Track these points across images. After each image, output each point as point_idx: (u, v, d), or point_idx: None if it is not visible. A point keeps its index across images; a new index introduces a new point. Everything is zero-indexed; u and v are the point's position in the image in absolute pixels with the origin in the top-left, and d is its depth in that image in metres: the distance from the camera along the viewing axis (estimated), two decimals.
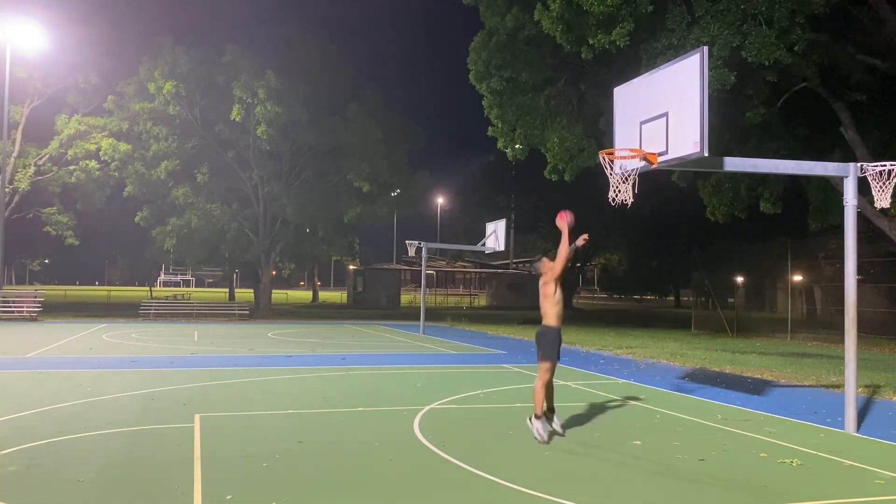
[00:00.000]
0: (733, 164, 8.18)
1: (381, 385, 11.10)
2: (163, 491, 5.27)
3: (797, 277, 27.41)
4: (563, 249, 7.19)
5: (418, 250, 23.98)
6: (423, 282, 24.64)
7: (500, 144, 20.25)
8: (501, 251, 26.97)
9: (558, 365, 7.54)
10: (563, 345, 7.53)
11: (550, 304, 7.16)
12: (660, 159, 7.51)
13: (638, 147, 7.76)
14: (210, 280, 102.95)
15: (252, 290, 41.62)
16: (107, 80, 30.94)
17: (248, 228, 31.75)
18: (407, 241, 24.43)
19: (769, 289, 35.44)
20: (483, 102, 19.89)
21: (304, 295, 67.97)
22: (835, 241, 21.53)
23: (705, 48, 7.29)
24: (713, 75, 13.19)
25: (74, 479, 5.51)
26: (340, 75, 31.98)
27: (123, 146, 29.85)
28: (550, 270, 7.14)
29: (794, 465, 6.42)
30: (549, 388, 7.24)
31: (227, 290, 54.16)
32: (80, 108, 31.80)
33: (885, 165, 7.90)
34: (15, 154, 30.94)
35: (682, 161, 7.43)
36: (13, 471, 5.74)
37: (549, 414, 7.33)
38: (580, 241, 7.38)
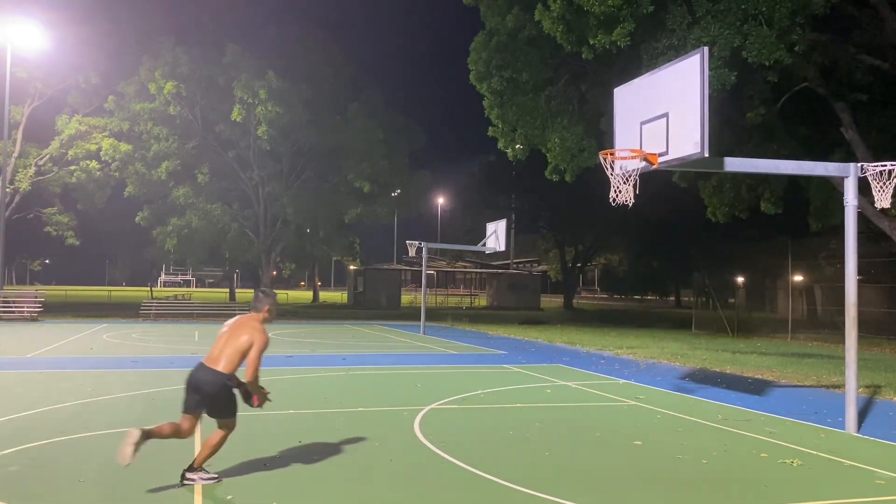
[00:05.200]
0: (734, 164, 8.18)
1: (381, 385, 11.10)
2: (163, 491, 5.27)
3: (798, 277, 27.39)
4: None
5: (419, 250, 23.98)
6: (423, 282, 24.63)
7: (500, 145, 20.25)
8: (502, 251, 26.99)
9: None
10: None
11: (235, 349, 5.42)
12: (660, 160, 7.51)
13: (638, 147, 7.76)
14: (210, 280, 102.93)
15: (252, 291, 41.61)
16: (107, 80, 30.96)
17: (249, 228, 31.76)
18: (407, 242, 24.42)
19: (769, 289, 35.40)
20: (483, 103, 19.90)
21: (304, 295, 67.95)
22: (835, 241, 21.52)
23: (706, 48, 7.28)
24: (713, 75, 13.19)
25: (75, 479, 5.51)
26: (341, 76, 32.00)
27: (124, 146, 29.87)
28: (263, 330, 5.46)
29: (794, 465, 6.42)
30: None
31: (227, 290, 54.16)
32: (80, 109, 31.83)
33: (885, 165, 7.89)
34: (15, 154, 30.96)
35: (683, 161, 7.42)
36: (13, 471, 5.74)
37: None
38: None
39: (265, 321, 5.52)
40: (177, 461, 6.09)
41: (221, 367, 5.32)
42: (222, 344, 5.43)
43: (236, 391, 5.42)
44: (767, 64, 13.51)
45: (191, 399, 5.34)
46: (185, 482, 5.38)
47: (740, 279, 30.09)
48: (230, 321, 5.66)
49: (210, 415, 5.38)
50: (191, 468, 5.43)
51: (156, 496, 5.18)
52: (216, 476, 5.50)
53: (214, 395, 5.29)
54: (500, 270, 56.86)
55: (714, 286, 26.77)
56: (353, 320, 31.22)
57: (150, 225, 31.06)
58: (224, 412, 5.41)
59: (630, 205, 7.72)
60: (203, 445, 5.49)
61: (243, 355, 5.33)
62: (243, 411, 6.88)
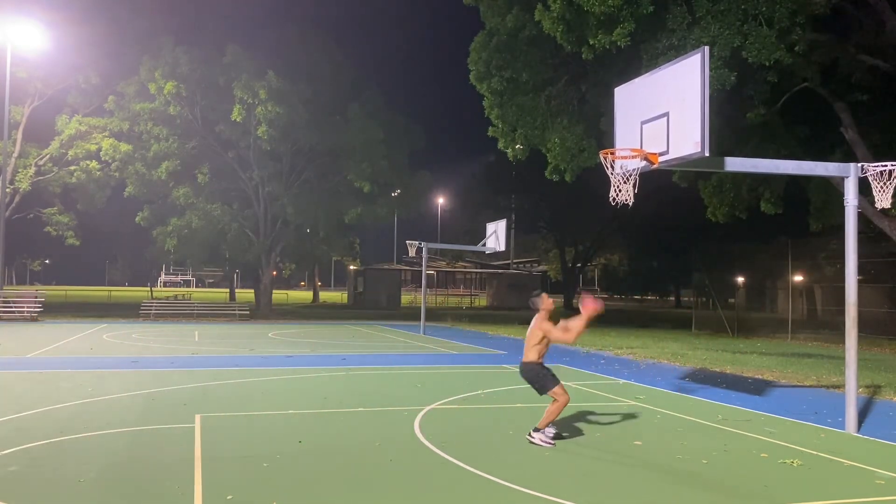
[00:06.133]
0: (734, 164, 8.18)
1: (381, 385, 11.10)
2: (163, 491, 5.26)
3: (798, 278, 27.38)
4: (578, 325, 6.83)
5: (419, 250, 23.98)
6: (423, 282, 24.63)
7: (500, 145, 20.25)
8: (502, 251, 26.98)
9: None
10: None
11: (532, 337, 7.03)
12: (661, 159, 7.50)
13: (639, 147, 7.75)
14: (210, 280, 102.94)
15: (252, 291, 41.65)
16: (107, 80, 30.95)
17: (249, 229, 31.75)
18: (407, 242, 24.42)
19: (770, 289, 35.39)
20: (483, 103, 19.89)
21: (304, 295, 67.97)
22: (835, 241, 21.51)
23: (706, 48, 7.28)
24: (713, 75, 13.19)
25: (74, 479, 5.51)
26: (341, 75, 31.98)
27: (124, 146, 29.85)
28: (546, 318, 6.98)
29: (794, 465, 6.42)
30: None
31: (227, 290, 54.17)
32: (80, 109, 31.81)
33: (885, 165, 7.89)
34: (16, 154, 30.96)
35: (683, 161, 7.42)
36: (13, 471, 5.74)
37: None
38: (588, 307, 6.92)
39: (548, 314, 7.05)
40: (176, 462, 6.10)
41: (528, 358, 7.06)
42: (526, 343, 7.13)
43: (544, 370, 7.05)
44: (767, 64, 13.51)
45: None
46: (529, 439, 6.97)
47: (740, 279, 30.08)
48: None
49: (539, 393, 7.12)
50: (535, 429, 7.00)
51: (156, 496, 5.17)
52: (553, 443, 6.92)
53: (529, 380, 7.11)
54: (500, 270, 56.86)
55: (714, 286, 26.75)
56: (353, 320, 31.23)
57: (150, 225, 31.04)
58: (543, 388, 7.01)
59: (630, 205, 7.71)
60: (546, 413, 6.99)
61: (541, 343, 7.01)
62: (247, 411, 6.85)
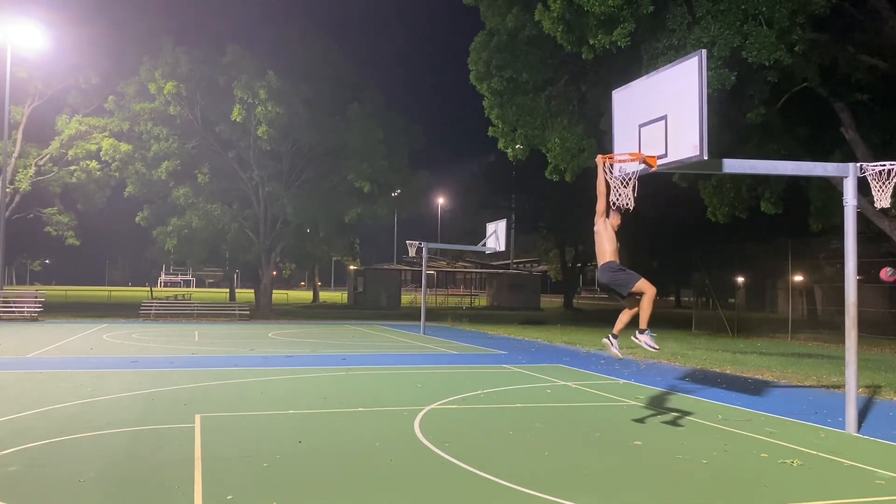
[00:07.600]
0: (732, 165, 8.16)
1: (381, 385, 11.10)
2: (163, 491, 5.27)
3: (798, 278, 27.39)
4: (599, 185, 7.37)
5: (419, 250, 23.98)
6: (423, 282, 24.64)
7: (500, 145, 20.26)
8: (502, 251, 26.99)
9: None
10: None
11: (601, 243, 7.30)
12: (659, 162, 7.49)
13: (637, 150, 7.74)
14: (211, 280, 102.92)
15: (252, 291, 41.65)
16: (107, 80, 30.94)
17: (249, 229, 31.75)
18: (407, 242, 24.43)
19: (770, 289, 35.42)
20: (483, 103, 19.91)
21: (304, 295, 67.97)
22: (835, 241, 21.53)
23: (704, 51, 7.25)
24: (713, 75, 13.20)
25: (74, 479, 5.51)
26: (341, 75, 32.00)
27: (124, 146, 29.86)
28: (599, 218, 7.40)
29: (794, 465, 6.42)
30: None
31: (227, 290, 54.17)
32: (80, 109, 31.81)
33: (884, 165, 7.89)
34: (16, 154, 30.96)
35: (682, 164, 7.40)
36: (13, 471, 5.74)
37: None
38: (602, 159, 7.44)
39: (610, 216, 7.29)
40: (176, 462, 6.09)
41: (603, 259, 7.11)
42: (597, 251, 7.26)
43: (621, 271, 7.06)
44: (767, 64, 13.51)
45: (612, 293, 7.22)
46: (636, 340, 7.00)
47: (740, 279, 30.10)
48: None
49: (622, 293, 7.01)
50: (640, 330, 6.96)
51: (155, 496, 5.18)
52: (657, 347, 7.03)
53: (609, 281, 7.05)
54: (500, 270, 56.87)
55: (714, 286, 26.76)
56: (353, 320, 31.23)
57: (150, 225, 31.04)
58: (626, 286, 6.97)
59: (631, 209, 7.70)
60: (641, 310, 6.94)
61: (609, 242, 7.16)
62: (247, 411, 6.80)
